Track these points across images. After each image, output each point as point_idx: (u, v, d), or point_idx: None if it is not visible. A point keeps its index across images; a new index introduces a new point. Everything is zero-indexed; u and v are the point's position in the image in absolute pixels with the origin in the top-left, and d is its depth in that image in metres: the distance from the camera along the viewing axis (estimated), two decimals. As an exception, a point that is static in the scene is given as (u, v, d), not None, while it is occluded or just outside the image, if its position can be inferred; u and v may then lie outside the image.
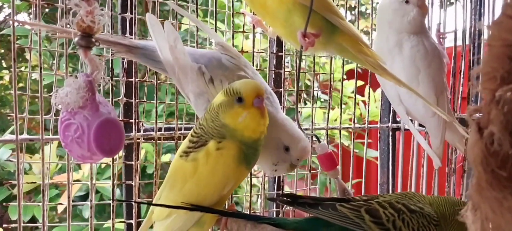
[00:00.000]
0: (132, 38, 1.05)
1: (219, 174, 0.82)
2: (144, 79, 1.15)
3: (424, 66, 1.16)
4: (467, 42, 1.32)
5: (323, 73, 1.69)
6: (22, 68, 2.18)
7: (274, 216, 1.37)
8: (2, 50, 2.59)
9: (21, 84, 2.38)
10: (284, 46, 1.29)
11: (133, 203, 1.12)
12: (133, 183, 1.12)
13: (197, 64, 0.93)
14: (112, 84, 1.04)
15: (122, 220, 1.16)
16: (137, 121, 1.11)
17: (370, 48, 1.02)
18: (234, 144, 0.81)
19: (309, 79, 2.30)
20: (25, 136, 1.01)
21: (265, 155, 0.93)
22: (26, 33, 2.01)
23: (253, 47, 1.22)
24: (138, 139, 1.12)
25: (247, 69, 0.98)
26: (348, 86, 2.08)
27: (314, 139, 1.05)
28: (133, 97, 1.10)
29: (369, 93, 1.46)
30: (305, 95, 1.59)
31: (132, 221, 1.13)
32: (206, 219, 0.85)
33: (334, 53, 1.05)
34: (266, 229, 0.77)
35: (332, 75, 1.38)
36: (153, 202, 0.91)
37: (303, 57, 1.42)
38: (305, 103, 1.58)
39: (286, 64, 1.35)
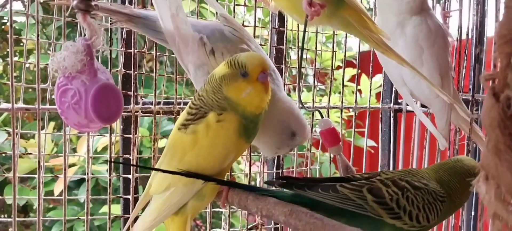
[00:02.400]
0: (132, 8, 1.02)
1: (219, 147, 0.80)
2: (143, 50, 1.12)
3: (428, 45, 1.14)
4: (470, 35, 1.30)
5: (321, 62, 1.65)
6: (18, 56, 2.15)
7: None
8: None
9: (16, 74, 2.36)
10: (286, 21, 1.27)
11: (130, 177, 1.10)
12: (130, 157, 1.10)
13: (199, 34, 0.91)
14: (110, 51, 1.01)
15: (119, 195, 1.14)
16: (135, 93, 1.08)
17: (375, 24, 0.99)
18: (235, 116, 0.79)
19: (304, 68, 2.27)
20: (21, 105, 0.98)
21: (269, 137, 0.92)
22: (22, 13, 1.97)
23: (255, 22, 1.19)
24: (137, 111, 1.09)
25: (250, 43, 0.96)
26: (346, 74, 2.05)
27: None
28: (132, 69, 1.08)
29: (370, 77, 1.44)
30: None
31: (130, 197, 1.11)
32: (206, 192, 0.83)
33: (338, 27, 1.02)
34: (268, 200, 0.75)
35: (334, 57, 1.36)
36: (151, 176, 0.89)
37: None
38: (302, 91, 1.54)
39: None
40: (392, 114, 1.48)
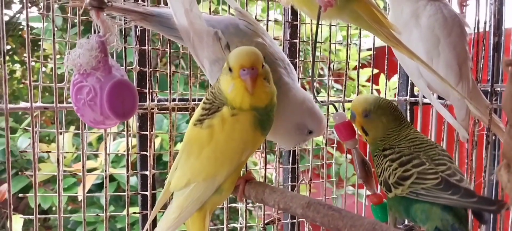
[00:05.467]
0: (145, 5, 1.03)
1: (237, 139, 0.80)
2: (157, 48, 1.12)
3: (444, 35, 1.12)
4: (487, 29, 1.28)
5: (337, 61, 1.63)
6: (35, 62, 2.18)
7: (290, 190, 1.34)
8: (14, 45, 2.62)
9: (34, 79, 2.40)
10: (299, 14, 1.26)
11: (148, 173, 1.10)
12: (148, 154, 1.10)
13: (214, 29, 0.91)
14: (125, 47, 1.02)
15: (137, 192, 1.15)
16: (151, 90, 1.09)
17: (387, 18, 0.98)
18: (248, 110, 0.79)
19: (322, 68, 2.25)
20: (39, 104, 0.99)
21: (287, 137, 0.94)
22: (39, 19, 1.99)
23: (267, 15, 1.19)
24: (152, 108, 1.10)
25: (265, 37, 0.96)
26: (363, 74, 2.03)
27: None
28: (147, 66, 1.08)
29: (386, 73, 1.42)
30: (317, 85, 1.54)
31: (147, 193, 1.12)
32: (224, 186, 0.83)
33: (348, 21, 1.02)
34: (285, 193, 0.75)
35: (348, 61, 1.35)
36: (169, 173, 0.89)
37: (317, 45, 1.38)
38: (318, 93, 1.52)
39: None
40: (408, 107, 1.46)
